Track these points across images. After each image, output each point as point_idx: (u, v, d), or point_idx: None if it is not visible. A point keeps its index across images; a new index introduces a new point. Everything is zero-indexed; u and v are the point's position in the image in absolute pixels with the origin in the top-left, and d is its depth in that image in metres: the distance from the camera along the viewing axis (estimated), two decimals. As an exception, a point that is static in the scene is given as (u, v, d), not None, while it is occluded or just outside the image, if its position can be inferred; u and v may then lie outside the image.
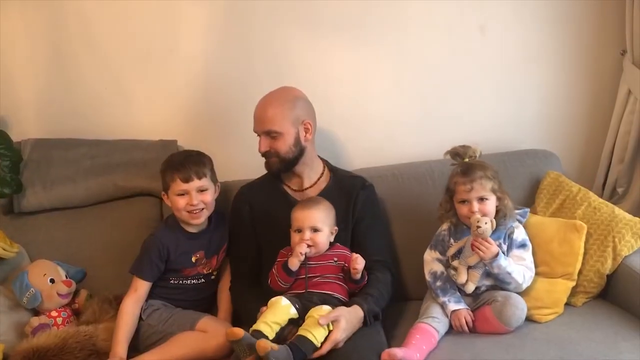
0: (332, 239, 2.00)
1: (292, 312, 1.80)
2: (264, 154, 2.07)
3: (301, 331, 1.76)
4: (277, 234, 2.04)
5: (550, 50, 2.50)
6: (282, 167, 2.09)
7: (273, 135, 2.04)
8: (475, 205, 1.97)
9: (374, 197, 2.19)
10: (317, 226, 1.95)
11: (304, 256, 1.91)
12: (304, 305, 1.84)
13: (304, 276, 1.93)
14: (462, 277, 1.98)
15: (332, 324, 1.78)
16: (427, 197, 2.29)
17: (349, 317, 1.83)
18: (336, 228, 2.01)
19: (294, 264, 1.91)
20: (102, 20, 2.50)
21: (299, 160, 2.09)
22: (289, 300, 1.82)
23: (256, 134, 2.10)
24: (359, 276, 1.93)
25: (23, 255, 2.28)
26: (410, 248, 2.22)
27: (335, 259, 1.96)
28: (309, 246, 1.93)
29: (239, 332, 1.69)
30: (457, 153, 2.06)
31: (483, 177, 1.98)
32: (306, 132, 2.09)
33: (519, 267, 1.96)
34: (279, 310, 1.79)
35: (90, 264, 2.31)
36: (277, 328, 1.76)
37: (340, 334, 1.78)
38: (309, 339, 1.73)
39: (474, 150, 2.05)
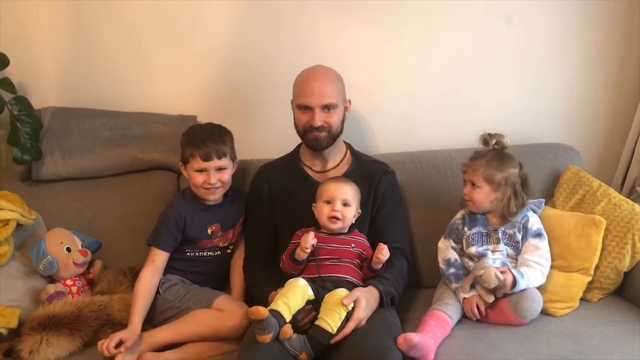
0: (353, 221, 2.00)
1: (310, 293, 1.80)
2: (316, 128, 2.04)
3: (317, 321, 1.78)
4: (295, 214, 2.04)
5: (576, 46, 2.49)
6: (329, 143, 2.08)
7: (331, 108, 2.04)
8: (468, 188, 2.01)
9: (395, 184, 2.19)
10: (348, 200, 1.96)
11: (309, 250, 1.89)
12: (318, 291, 1.84)
13: (315, 258, 1.92)
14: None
15: (353, 303, 1.80)
16: (446, 185, 2.30)
17: (367, 296, 1.84)
18: (360, 211, 2.02)
19: (301, 256, 1.91)
20: (126, -8, 2.49)
21: (338, 137, 2.11)
22: (306, 280, 1.82)
23: (302, 109, 2.06)
24: (379, 266, 1.93)
25: (40, 222, 2.29)
26: (426, 235, 2.22)
27: (353, 245, 1.97)
28: (337, 219, 1.94)
29: (264, 312, 1.68)
30: (484, 140, 2.05)
31: (481, 164, 1.99)
32: (346, 111, 2.12)
33: (536, 273, 1.94)
34: (298, 290, 1.79)
35: (105, 235, 2.32)
36: (294, 311, 1.76)
37: (362, 312, 1.80)
38: (323, 328, 1.75)
39: (499, 140, 2.03)
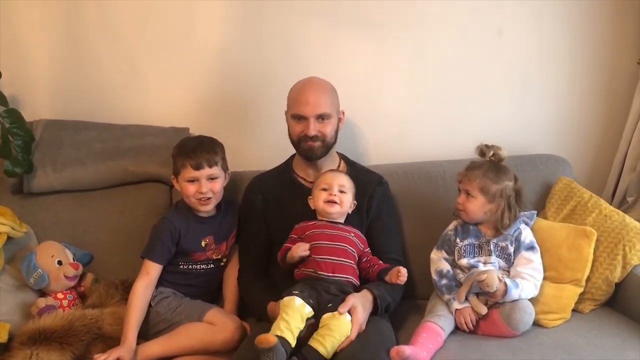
0: (350, 211, 2.02)
1: (307, 310, 1.77)
2: (310, 138, 2.06)
3: (311, 341, 1.75)
4: (290, 224, 2.04)
5: (566, 57, 2.51)
6: (323, 152, 2.10)
7: (325, 118, 2.07)
8: (462, 197, 2.02)
9: (389, 195, 2.21)
10: (344, 187, 1.99)
11: (297, 260, 1.91)
12: (319, 296, 1.82)
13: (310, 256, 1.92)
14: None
15: (350, 311, 1.81)
16: (438, 197, 2.30)
17: (362, 301, 1.85)
18: (355, 202, 2.04)
19: (292, 260, 1.93)
20: (118, 5, 2.49)
21: (332, 148, 2.13)
22: (303, 299, 1.79)
23: (296, 119, 2.08)
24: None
25: (31, 235, 2.28)
26: (419, 247, 2.22)
27: (352, 234, 1.98)
28: (334, 202, 1.96)
29: (272, 339, 1.65)
30: (481, 151, 2.06)
31: (478, 174, 1.99)
32: (339, 122, 2.15)
33: (530, 285, 1.94)
34: (296, 312, 1.76)
35: (97, 247, 2.31)
36: (297, 333, 1.74)
37: (361, 316, 1.81)
38: (317, 351, 1.73)
39: (496, 152, 2.03)
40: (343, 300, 1.82)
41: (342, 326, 1.77)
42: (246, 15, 2.49)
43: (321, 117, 2.06)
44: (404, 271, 1.89)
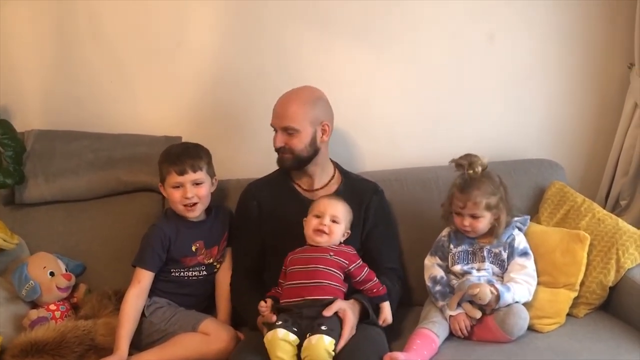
0: (342, 240, 1.97)
1: (292, 338, 1.73)
2: (277, 149, 2.07)
3: None
4: (286, 230, 2.03)
5: (558, 61, 2.51)
6: (294, 165, 2.09)
7: (290, 132, 2.04)
8: (468, 220, 2.00)
9: (385, 202, 2.20)
10: (337, 217, 1.94)
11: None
12: (300, 321, 1.78)
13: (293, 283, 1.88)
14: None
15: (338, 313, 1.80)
16: (432, 203, 2.28)
17: (350, 306, 1.84)
18: (349, 232, 1.99)
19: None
20: (109, 13, 2.49)
21: (311, 160, 2.10)
22: (285, 328, 1.73)
23: (272, 128, 2.09)
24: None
25: (23, 247, 2.27)
26: (413, 254, 2.22)
27: (332, 253, 1.90)
28: (323, 232, 1.91)
29: None
30: (460, 164, 2.02)
31: (478, 195, 1.97)
32: (323, 134, 2.10)
33: (522, 288, 1.94)
34: (284, 342, 1.72)
35: (89, 258, 2.30)
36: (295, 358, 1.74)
37: (350, 320, 1.80)
38: None
39: (476, 163, 1.99)
40: (320, 324, 1.76)
41: (321, 347, 1.71)
42: (238, 24, 2.49)
43: (287, 130, 2.04)
44: (386, 322, 1.91)
